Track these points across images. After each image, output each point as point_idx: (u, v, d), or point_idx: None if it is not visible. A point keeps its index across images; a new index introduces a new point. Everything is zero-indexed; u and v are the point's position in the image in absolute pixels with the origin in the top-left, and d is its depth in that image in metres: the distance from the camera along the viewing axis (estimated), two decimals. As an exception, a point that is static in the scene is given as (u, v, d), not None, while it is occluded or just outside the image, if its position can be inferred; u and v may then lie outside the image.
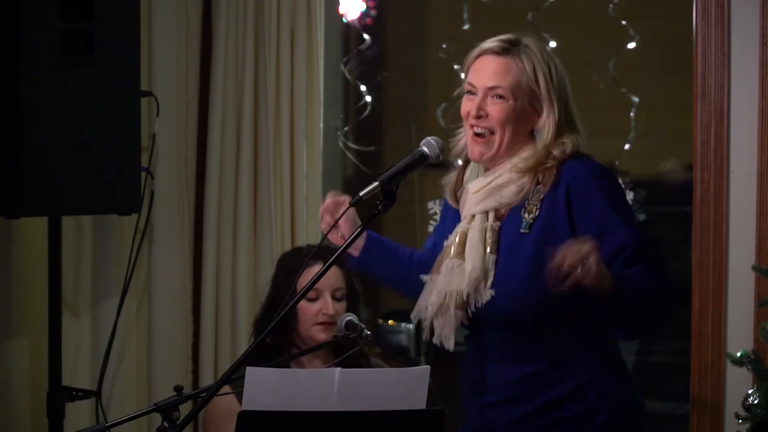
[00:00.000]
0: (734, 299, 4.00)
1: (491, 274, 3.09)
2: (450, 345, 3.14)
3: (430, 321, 3.15)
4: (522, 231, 3.08)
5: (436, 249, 3.29)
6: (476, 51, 3.19)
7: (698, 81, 4.03)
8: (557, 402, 3.08)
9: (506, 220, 3.12)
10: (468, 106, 3.16)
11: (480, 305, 3.08)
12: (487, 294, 3.07)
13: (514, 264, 3.07)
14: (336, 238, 3.27)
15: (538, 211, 3.07)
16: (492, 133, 3.13)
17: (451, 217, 3.28)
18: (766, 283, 3.86)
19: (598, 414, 3.08)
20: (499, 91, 3.11)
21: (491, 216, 3.12)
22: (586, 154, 3.14)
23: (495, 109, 3.12)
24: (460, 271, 3.10)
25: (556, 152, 3.09)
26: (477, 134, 3.14)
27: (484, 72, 3.14)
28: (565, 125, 3.12)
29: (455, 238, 3.15)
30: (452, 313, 3.11)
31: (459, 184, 3.24)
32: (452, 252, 3.13)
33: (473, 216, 3.14)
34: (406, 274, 3.29)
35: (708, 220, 4.03)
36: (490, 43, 3.16)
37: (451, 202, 3.26)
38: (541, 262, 3.00)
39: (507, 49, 3.13)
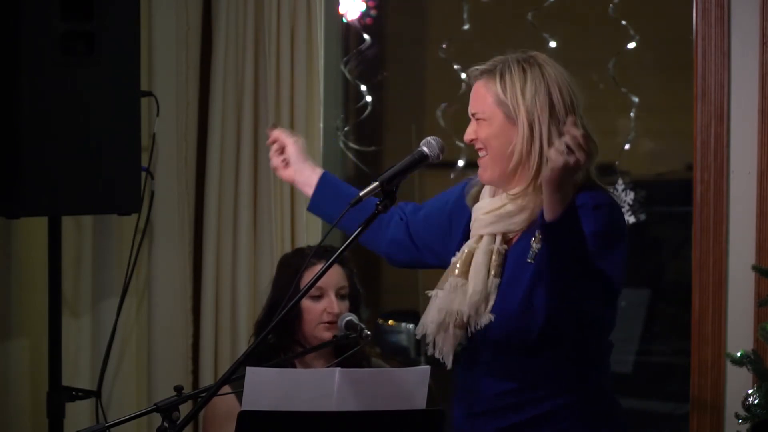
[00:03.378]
0: (734, 299, 4.01)
1: (492, 297, 3.08)
2: (449, 362, 3.14)
3: (432, 337, 3.15)
4: (528, 260, 3.06)
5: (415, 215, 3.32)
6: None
7: (698, 81, 4.03)
8: (542, 418, 3.08)
9: (515, 245, 3.11)
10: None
11: (478, 327, 3.09)
12: (485, 318, 3.07)
13: (515, 292, 3.06)
14: (286, 173, 3.37)
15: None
16: (486, 153, 3.13)
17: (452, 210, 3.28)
18: (766, 283, 3.86)
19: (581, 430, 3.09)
20: (479, 116, 3.13)
21: (498, 239, 3.11)
22: (600, 185, 3.11)
23: (480, 130, 3.13)
24: (462, 291, 3.09)
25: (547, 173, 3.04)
26: (479, 157, 3.15)
27: (471, 101, 3.16)
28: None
29: (461, 256, 3.14)
30: (451, 331, 3.11)
31: (478, 198, 3.23)
32: (457, 271, 3.13)
33: (481, 236, 3.14)
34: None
35: (708, 220, 4.03)
36: (473, 69, 3.17)
37: (470, 206, 3.24)
38: (536, 289, 3.01)
39: (485, 71, 3.13)
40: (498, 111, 3.09)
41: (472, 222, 3.18)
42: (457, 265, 3.13)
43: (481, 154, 3.14)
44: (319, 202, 3.37)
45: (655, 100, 4.92)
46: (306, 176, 3.38)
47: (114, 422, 2.93)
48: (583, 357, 3.10)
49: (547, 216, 2.84)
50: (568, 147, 2.76)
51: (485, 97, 3.11)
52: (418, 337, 3.18)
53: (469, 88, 3.21)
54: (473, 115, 3.14)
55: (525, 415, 3.09)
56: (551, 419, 3.08)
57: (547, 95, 3.06)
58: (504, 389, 3.10)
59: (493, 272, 3.08)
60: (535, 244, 3.05)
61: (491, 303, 3.07)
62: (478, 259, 3.10)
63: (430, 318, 3.14)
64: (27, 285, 4.37)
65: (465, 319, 3.08)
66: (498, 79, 3.10)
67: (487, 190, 3.20)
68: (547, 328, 3.01)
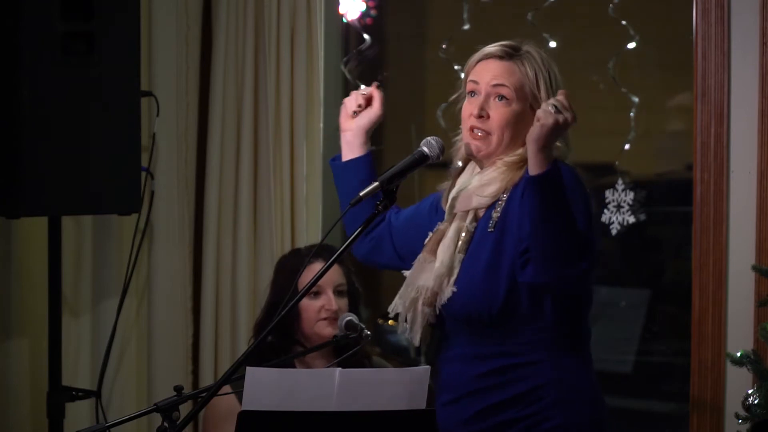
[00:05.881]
0: (734, 299, 4.01)
1: (456, 271, 3.10)
2: (416, 340, 3.15)
3: (405, 315, 3.17)
4: (489, 230, 3.10)
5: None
6: (478, 55, 3.19)
7: (698, 81, 4.03)
8: (511, 402, 3.08)
9: (481, 220, 3.14)
10: (470, 107, 3.16)
11: (443, 302, 3.10)
12: (448, 290, 3.09)
13: (476, 261, 3.09)
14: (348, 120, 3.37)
15: (502, 209, 3.08)
16: (489, 134, 3.13)
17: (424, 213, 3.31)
18: (766, 283, 3.86)
19: (553, 416, 3.07)
20: (503, 91, 3.11)
21: (470, 216, 3.14)
22: (565, 164, 3.12)
23: (497, 112, 3.12)
24: (429, 268, 3.13)
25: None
26: (476, 131, 3.14)
27: (488, 73, 3.14)
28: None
29: (432, 235, 3.17)
30: (419, 309, 3.12)
31: (452, 187, 3.24)
32: (427, 248, 3.15)
33: (454, 215, 3.16)
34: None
35: (708, 220, 4.03)
36: (493, 47, 3.17)
37: (445, 207, 3.26)
38: (499, 257, 3.05)
39: (510, 54, 3.15)
40: (523, 95, 3.13)
41: (449, 201, 3.20)
42: (428, 244, 3.16)
43: (479, 133, 3.14)
44: (346, 165, 3.37)
45: (655, 100, 4.92)
46: (359, 139, 3.37)
47: (114, 422, 2.93)
48: (561, 336, 3.09)
49: (533, 171, 2.92)
50: (556, 107, 2.89)
51: (521, 80, 3.14)
52: (391, 315, 3.20)
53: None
54: (496, 86, 3.13)
55: (503, 396, 3.08)
56: (525, 400, 3.07)
57: (548, 80, 3.17)
58: (475, 373, 3.10)
59: (458, 248, 3.10)
60: (495, 214, 3.08)
61: (454, 276, 3.10)
62: (449, 236, 3.14)
63: (401, 295, 3.16)
64: (27, 285, 4.37)
65: (430, 295, 3.10)
66: (525, 65, 3.15)
67: (468, 181, 3.21)
68: (513, 296, 3.03)
